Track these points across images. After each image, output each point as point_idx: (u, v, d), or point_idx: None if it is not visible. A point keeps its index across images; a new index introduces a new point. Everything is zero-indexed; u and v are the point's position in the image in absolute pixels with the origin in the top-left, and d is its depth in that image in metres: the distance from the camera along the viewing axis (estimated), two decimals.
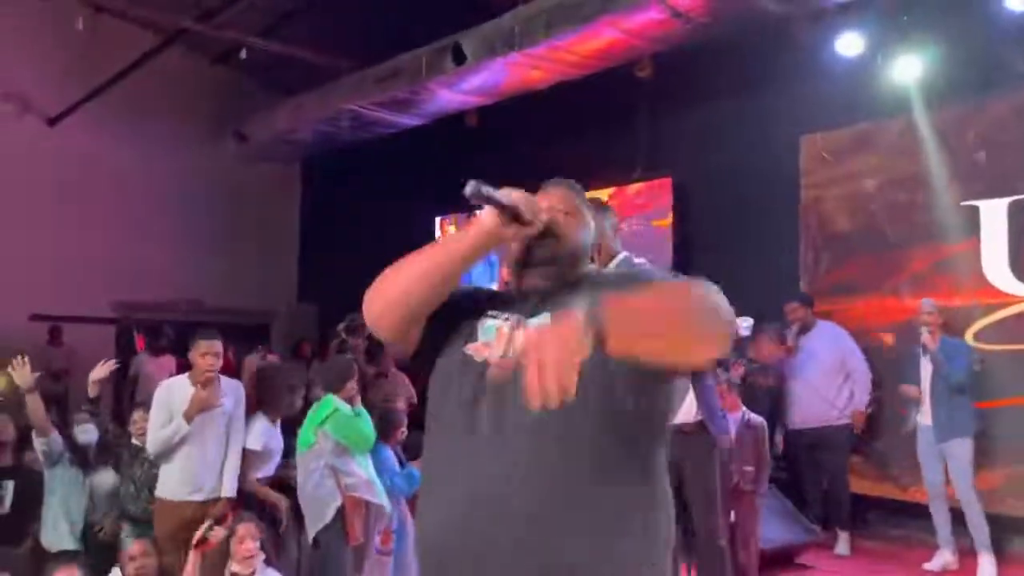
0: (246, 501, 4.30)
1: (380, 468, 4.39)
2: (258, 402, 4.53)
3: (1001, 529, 5.51)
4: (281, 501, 4.42)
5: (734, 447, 4.79)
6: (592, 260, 1.86)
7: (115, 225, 10.10)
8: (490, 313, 1.74)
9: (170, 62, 9.60)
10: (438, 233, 9.96)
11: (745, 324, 5.78)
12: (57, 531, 4.41)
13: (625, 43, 6.55)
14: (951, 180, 6.02)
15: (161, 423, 4.20)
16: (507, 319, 1.71)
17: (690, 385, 4.43)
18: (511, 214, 1.62)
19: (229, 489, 4.24)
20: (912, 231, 6.24)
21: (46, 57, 9.37)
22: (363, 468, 4.22)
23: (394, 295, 1.71)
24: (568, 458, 1.56)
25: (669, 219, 7.67)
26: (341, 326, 7.00)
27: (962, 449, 5.32)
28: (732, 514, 4.81)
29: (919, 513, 5.76)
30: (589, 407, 1.56)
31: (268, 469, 4.53)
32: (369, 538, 4.28)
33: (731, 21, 6.12)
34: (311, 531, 4.14)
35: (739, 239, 7.03)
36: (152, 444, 4.22)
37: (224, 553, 3.51)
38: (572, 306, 1.64)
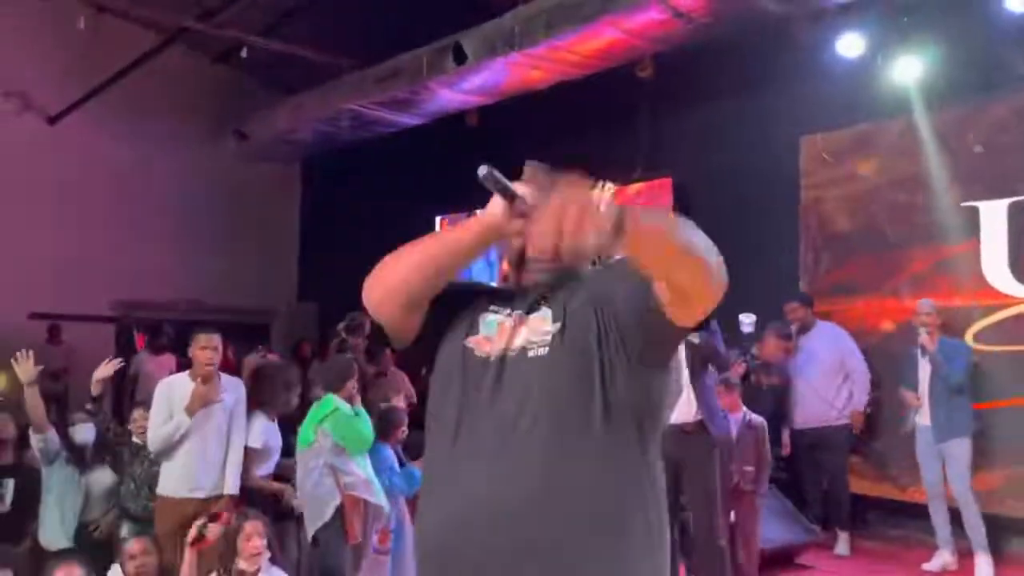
0: (249, 498, 4.29)
1: (379, 467, 4.39)
2: (256, 400, 4.53)
3: (1000, 530, 5.52)
4: (285, 490, 4.43)
5: (735, 447, 4.80)
6: (594, 263, 1.86)
7: (115, 224, 10.10)
8: (491, 308, 1.73)
9: (171, 61, 9.60)
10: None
11: (747, 320, 5.79)
12: (53, 529, 4.42)
13: (626, 43, 6.55)
14: (951, 181, 6.02)
15: (162, 420, 4.20)
16: (509, 314, 1.70)
17: (690, 385, 4.45)
18: (519, 207, 1.60)
19: (232, 486, 4.24)
20: (912, 232, 6.25)
21: (47, 56, 9.36)
22: (361, 468, 4.23)
23: (394, 282, 1.70)
24: (567, 457, 1.56)
25: None
26: (341, 325, 6.99)
27: (961, 449, 5.32)
28: (732, 514, 4.81)
29: (918, 513, 5.76)
30: (587, 403, 1.58)
31: (268, 467, 4.54)
32: (367, 537, 4.28)
33: (732, 21, 6.12)
34: (310, 529, 4.15)
35: (739, 239, 7.00)
36: (153, 442, 4.22)
37: (228, 550, 3.50)
38: (573, 302, 1.65)
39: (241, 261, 10.83)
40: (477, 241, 1.63)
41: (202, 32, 9.04)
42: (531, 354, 1.63)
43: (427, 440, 1.73)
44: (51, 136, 9.86)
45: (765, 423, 5.06)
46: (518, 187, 1.59)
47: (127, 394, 7.76)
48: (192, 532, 3.67)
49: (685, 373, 4.39)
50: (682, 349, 4.31)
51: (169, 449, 4.20)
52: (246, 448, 4.37)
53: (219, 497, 4.21)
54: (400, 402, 5.37)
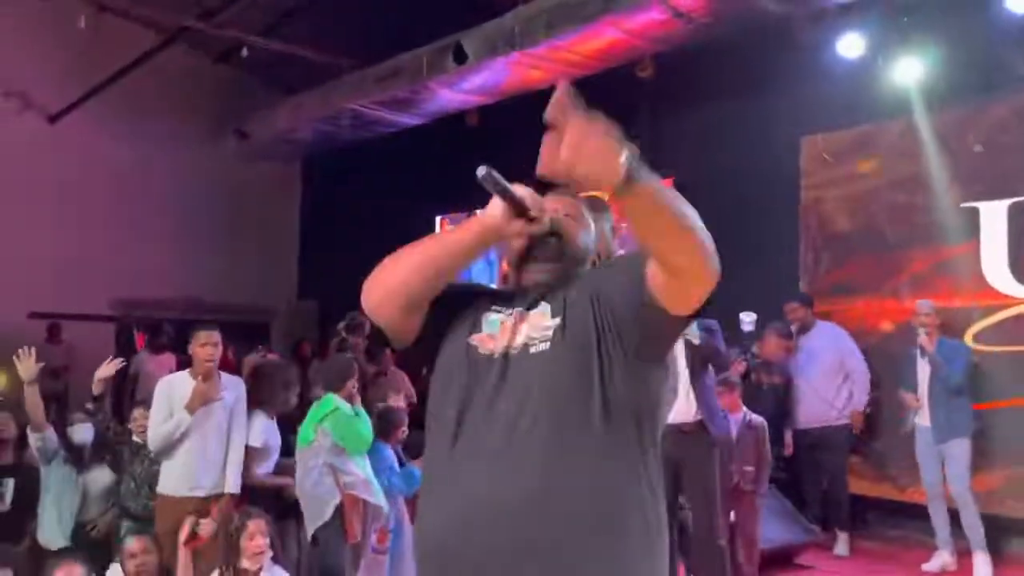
0: (251, 497, 4.29)
1: (379, 467, 4.39)
2: (255, 399, 4.53)
3: (1000, 530, 5.52)
4: (290, 484, 4.42)
5: (735, 447, 4.80)
6: (594, 264, 1.87)
7: (115, 223, 10.10)
8: (493, 307, 1.74)
9: (171, 60, 9.61)
10: (438, 232, 9.97)
11: (748, 319, 5.80)
12: (52, 529, 4.42)
13: (626, 43, 6.55)
14: (951, 182, 6.03)
15: (162, 418, 4.20)
16: (510, 313, 1.71)
17: (690, 385, 4.45)
18: (518, 208, 1.62)
19: (233, 485, 4.24)
20: (912, 232, 6.25)
21: (47, 55, 9.37)
22: (360, 468, 4.23)
23: (394, 284, 1.71)
24: (567, 457, 1.57)
25: None
26: (341, 324, 7.00)
27: (960, 449, 5.32)
28: (732, 514, 4.81)
29: (917, 514, 5.76)
30: (586, 400, 1.58)
31: (268, 465, 4.54)
32: (366, 537, 4.28)
33: (732, 22, 6.12)
34: (310, 528, 4.15)
35: (739, 239, 7.00)
36: (154, 440, 4.22)
37: (231, 549, 3.50)
38: (571, 298, 1.66)
39: (241, 260, 10.84)
40: (477, 242, 1.65)
41: (203, 32, 9.05)
42: (533, 350, 1.64)
43: (427, 440, 1.74)
44: (51, 135, 9.86)
45: (765, 423, 5.06)
46: (517, 188, 1.61)
47: (127, 393, 7.76)
48: (184, 531, 3.66)
49: (685, 375, 4.38)
50: (682, 350, 4.31)
51: (169, 448, 4.20)
52: (247, 447, 4.37)
53: (220, 496, 4.21)
54: (400, 402, 5.37)
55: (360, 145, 9.58)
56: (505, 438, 1.58)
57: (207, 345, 4.25)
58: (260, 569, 3.47)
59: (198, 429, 4.20)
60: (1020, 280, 5.72)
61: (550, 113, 1.47)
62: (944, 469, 5.40)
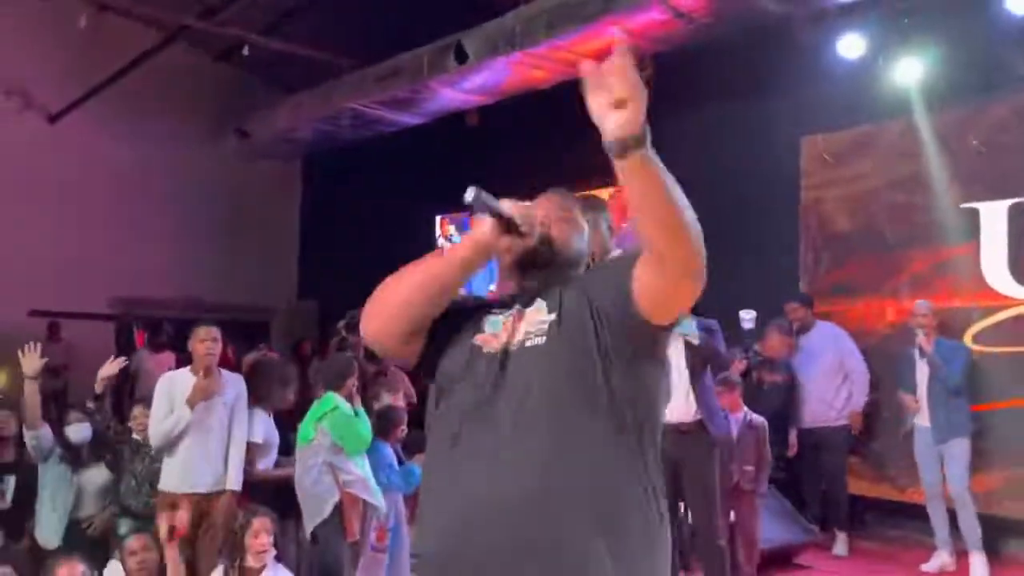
0: (252, 493, 4.30)
1: (378, 465, 4.40)
2: (254, 396, 4.54)
3: (998, 531, 5.52)
4: (293, 474, 4.42)
5: (735, 447, 4.80)
6: (589, 265, 1.88)
7: (115, 221, 10.10)
8: (493, 311, 1.77)
9: (172, 59, 9.59)
10: (438, 231, 9.97)
11: (748, 316, 5.80)
12: (50, 527, 4.43)
13: (627, 43, 6.54)
14: (951, 182, 6.03)
15: (163, 414, 4.22)
16: (510, 313, 1.74)
17: (689, 385, 4.45)
18: (507, 224, 1.66)
19: (235, 482, 4.25)
20: (912, 233, 6.25)
21: (47, 54, 9.37)
22: (359, 467, 4.23)
23: (395, 304, 1.73)
24: (566, 457, 1.57)
25: None
26: (341, 323, 7.00)
27: (960, 449, 5.33)
28: (732, 514, 4.81)
29: (916, 514, 5.77)
30: (585, 397, 1.60)
31: (267, 462, 4.55)
32: (365, 535, 4.29)
33: (733, 22, 6.12)
34: (308, 526, 4.16)
35: (739, 239, 7.03)
36: (154, 436, 4.24)
37: (236, 546, 3.50)
38: (567, 296, 1.68)
39: (241, 259, 10.84)
40: (473, 257, 1.70)
41: (203, 30, 9.05)
42: (529, 344, 1.66)
43: (428, 439, 1.75)
44: (52, 134, 9.86)
45: (766, 423, 5.06)
46: (505, 204, 1.66)
47: (127, 392, 7.77)
48: (162, 529, 3.64)
49: (685, 375, 4.38)
50: (681, 350, 4.31)
51: (171, 444, 4.21)
52: (248, 443, 4.38)
53: (221, 493, 4.22)
54: (399, 401, 5.37)
55: (360, 145, 9.58)
56: (505, 438, 1.59)
57: (207, 341, 4.28)
58: (263, 567, 3.47)
59: (199, 426, 4.21)
60: (1020, 281, 5.73)
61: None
62: (943, 469, 5.40)
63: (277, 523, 3.68)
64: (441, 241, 9.74)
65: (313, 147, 10.36)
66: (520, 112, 8.00)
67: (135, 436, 4.61)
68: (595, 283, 1.69)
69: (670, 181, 1.48)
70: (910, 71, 6.10)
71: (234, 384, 4.40)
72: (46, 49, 9.32)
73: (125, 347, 9.08)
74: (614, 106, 1.43)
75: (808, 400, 6.15)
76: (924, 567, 5.47)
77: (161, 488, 4.26)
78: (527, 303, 1.73)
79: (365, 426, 4.32)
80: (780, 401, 6.10)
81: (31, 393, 4.37)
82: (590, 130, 1.51)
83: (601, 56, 1.40)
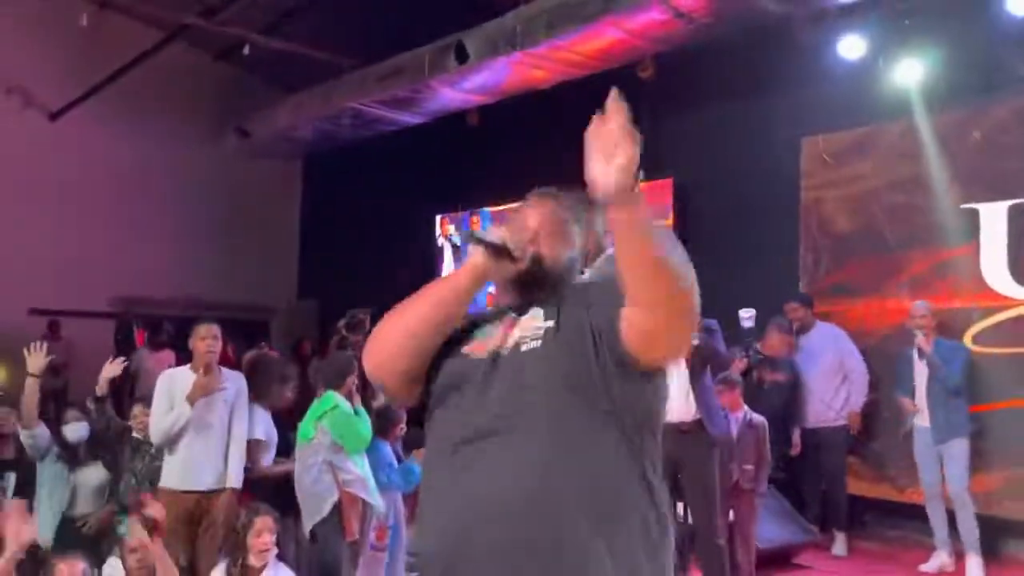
0: (253, 490, 4.30)
1: (377, 464, 4.40)
2: (254, 393, 4.54)
3: (998, 532, 5.53)
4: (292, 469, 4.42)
5: (735, 446, 4.80)
6: (582, 272, 1.87)
7: (115, 220, 10.11)
8: (484, 322, 1.79)
9: (172, 58, 9.60)
10: (438, 231, 9.97)
11: (747, 315, 5.80)
12: (46, 525, 4.43)
13: (627, 43, 6.55)
14: (951, 183, 6.03)
15: (164, 411, 4.22)
16: (502, 323, 1.75)
17: (689, 385, 4.45)
18: (499, 251, 1.71)
19: (235, 480, 4.25)
20: (912, 233, 6.25)
21: (48, 53, 9.38)
22: (359, 466, 4.24)
23: (398, 338, 1.75)
24: (566, 457, 1.57)
25: (669, 219, 7.67)
26: (341, 323, 7.00)
27: (959, 450, 5.33)
28: (731, 513, 4.82)
29: (916, 514, 5.77)
30: (584, 399, 1.59)
31: (267, 459, 4.55)
32: (364, 534, 4.29)
33: (733, 22, 6.13)
34: (307, 525, 4.15)
35: (739, 240, 7.04)
36: (155, 433, 4.25)
37: (238, 545, 3.50)
38: (566, 305, 1.68)
39: (241, 258, 10.85)
40: (468, 285, 1.74)
41: (204, 29, 9.05)
42: (524, 348, 1.66)
43: (427, 441, 1.75)
44: (52, 133, 9.87)
45: (766, 422, 5.05)
46: (495, 233, 1.72)
47: (127, 391, 7.77)
48: (136, 529, 3.61)
49: (684, 375, 4.39)
50: None
51: (171, 441, 4.22)
52: (250, 440, 4.38)
53: (221, 490, 4.22)
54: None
55: (361, 144, 9.59)
56: (505, 439, 1.59)
57: (207, 338, 4.29)
58: (265, 566, 3.47)
59: (199, 424, 4.21)
60: (1020, 281, 5.73)
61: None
62: (943, 470, 5.40)
63: (279, 521, 3.68)
64: (441, 241, 9.74)
65: (313, 146, 10.37)
66: (520, 112, 8.00)
67: (135, 435, 4.62)
68: (595, 297, 1.68)
69: (658, 236, 1.52)
70: (910, 72, 6.10)
71: (234, 381, 4.40)
72: (46, 48, 9.33)
73: (124, 345, 9.08)
74: (607, 158, 1.50)
75: (808, 400, 6.15)
76: (923, 567, 5.47)
77: (162, 486, 4.25)
78: (522, 311, 1.74)
79: (365, 425, 4.32)
80: (781, 400, 6.09)
81: (31, 391, 4.38)
82: None
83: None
